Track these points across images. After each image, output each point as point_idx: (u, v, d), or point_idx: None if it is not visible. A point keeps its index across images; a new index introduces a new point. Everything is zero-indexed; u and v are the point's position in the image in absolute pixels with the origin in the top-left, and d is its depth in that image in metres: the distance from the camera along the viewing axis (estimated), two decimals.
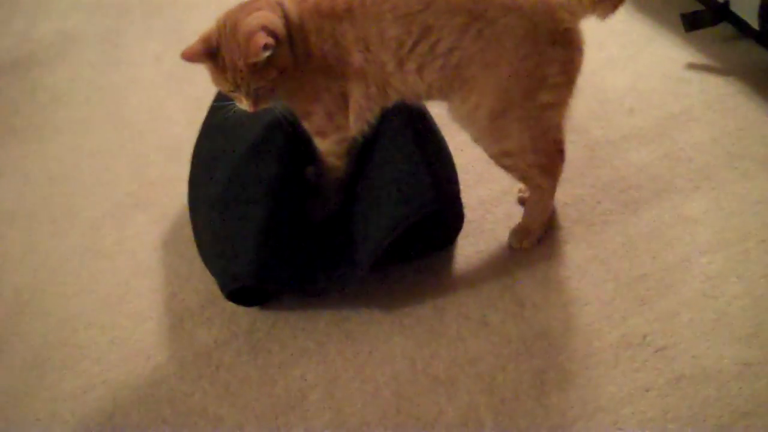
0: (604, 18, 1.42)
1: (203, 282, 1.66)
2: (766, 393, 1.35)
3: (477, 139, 1.53)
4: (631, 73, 2.02)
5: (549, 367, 1.44)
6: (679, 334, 1.46)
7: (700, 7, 2.05)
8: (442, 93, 1.48)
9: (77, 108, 2.22)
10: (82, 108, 2.21)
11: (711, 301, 1.50)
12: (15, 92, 2.31)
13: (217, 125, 1.71)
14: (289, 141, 1.60)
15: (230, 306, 1.60)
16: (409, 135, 1.54)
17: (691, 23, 2.00)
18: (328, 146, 1.56)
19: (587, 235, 1.65)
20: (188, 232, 1.72)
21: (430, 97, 1.50)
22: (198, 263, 1.67)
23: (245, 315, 1.60)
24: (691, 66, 2.01)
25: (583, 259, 1.60)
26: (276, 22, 1.41)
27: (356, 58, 1.44)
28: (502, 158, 1.55)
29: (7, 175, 2.03)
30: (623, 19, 2.18)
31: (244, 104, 1.46)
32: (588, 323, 1.50)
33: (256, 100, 1.44)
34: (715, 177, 1.72)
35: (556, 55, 1.40)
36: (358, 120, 1.52)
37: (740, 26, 1.99)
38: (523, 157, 1.53)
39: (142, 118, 2.14)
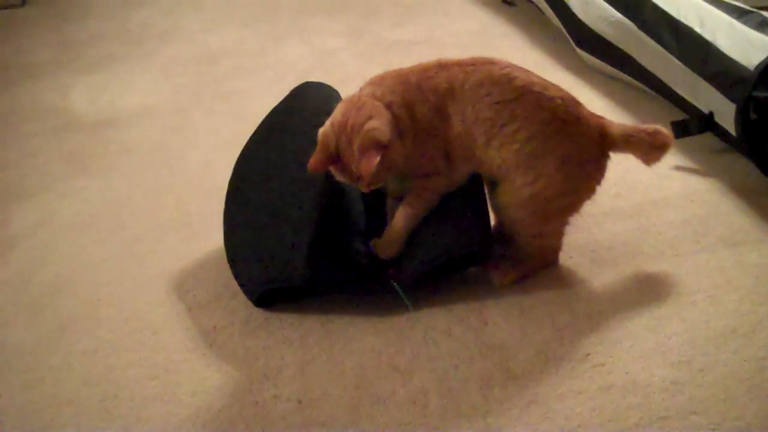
0: (649, 165, 1.82)
1: (215, 285, 1.90)
2: (685, 403, 1.50)
3: (517, 219, 1.77)
4: (623, 168, 2.24)
5: (497, 370, 1.61)
6: (617, 356, 1.62)
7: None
8: (509, 171, 1.71)
9: (141, 158, 2.57)
10: (145, 158, 2.56)
11: (653, 334, 1.66)
12: (92, 143, 2.68)
13: (277, 131, 1.96)
14: None
15: (233, 302, 1.83)
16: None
17: (680, 130, 2.25)
18: (435, 181, 1.76)
19: (555, 277, 1.85)
20: (210, 246, 1.99)
21: (498, 171, 1.73)
22: (213, 270, 1.93)
23: (244, 310, 1.82)
24: (678, 167, 2.25)
25: (547, 295, 1.79)
26: (384, 130, 1.63)
27: (456, 126, 1.70)
28: (534, 237, 1.80)
29: (69, 197, 2.35)
30: None
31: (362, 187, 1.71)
32: (540, 341, 1.67)
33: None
34: (678, 247, 1.92)
35: (602, 163, 1.77)
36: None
37: (724, 136, 2.23)
38: (550, 238, 1.83)
39: (194, 169, 2.47)
